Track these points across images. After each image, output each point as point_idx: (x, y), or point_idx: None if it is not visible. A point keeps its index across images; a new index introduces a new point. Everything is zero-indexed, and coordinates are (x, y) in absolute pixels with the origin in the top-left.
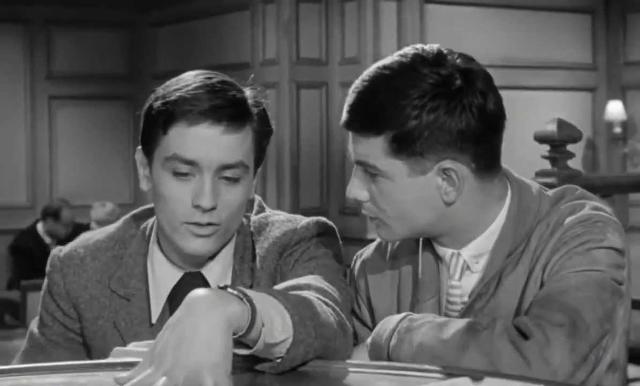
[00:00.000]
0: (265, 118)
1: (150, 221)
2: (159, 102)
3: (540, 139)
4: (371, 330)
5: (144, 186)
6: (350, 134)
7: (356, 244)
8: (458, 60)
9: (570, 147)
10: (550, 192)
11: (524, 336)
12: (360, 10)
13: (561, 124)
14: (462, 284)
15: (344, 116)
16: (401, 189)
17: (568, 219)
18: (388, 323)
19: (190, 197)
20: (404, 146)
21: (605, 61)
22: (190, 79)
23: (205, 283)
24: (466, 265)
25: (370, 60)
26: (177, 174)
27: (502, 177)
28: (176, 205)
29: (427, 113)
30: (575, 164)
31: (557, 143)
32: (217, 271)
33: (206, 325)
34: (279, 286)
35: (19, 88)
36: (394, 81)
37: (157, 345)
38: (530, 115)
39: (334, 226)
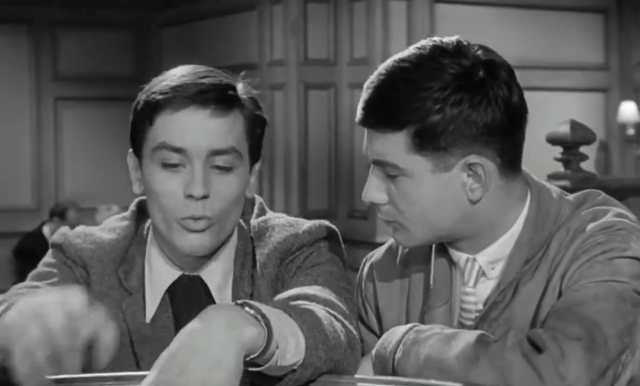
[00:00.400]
0: (257, 105)
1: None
2: (144, 96)
3: (553, 140)
4: (378, 336)
5: (136, 189)
6: (366, 132)
7: (365, 247)
8: (479, 52)
9: (582, 149)
10: (571, 196)
11: (538, 349)
12: (369, 10)
13: (574, 125)
14: (476, 291)
15: (360, 113)
16: (424, 188)
17: (590, 226)
18: (393, 335)
19: (182, 189)
20: (427, 140)
21: (618, 62)
22: (178, 71)
23: (204, 288)
24: (482, 271)
25: (380, 61)
26: (166, 165)
27: (522, 179)
28: (168, 199)
29: (451, 106)
30: (587, 166)
31: (570, 145)
32: (218, 276)
33: (220, 345)
34: (283, 295)
35: (24, 89)
36: (413, 74)
37: (164, 355)
38: (541, 116)
39: (336, 229)
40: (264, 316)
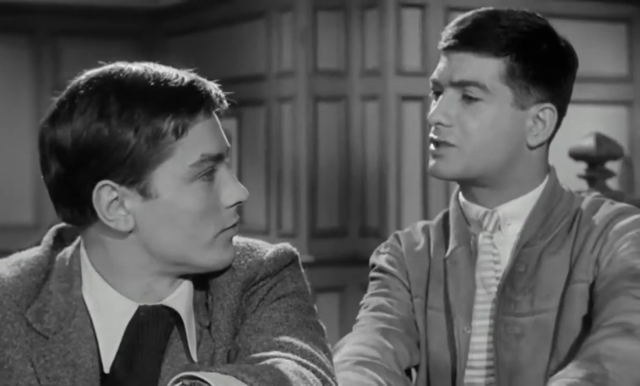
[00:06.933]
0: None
1: (69, 250)
2: (141, 109)
3: (577, 155)
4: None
5: (123, 225)
6: (452, 56)
7: None
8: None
9: (608, 165)
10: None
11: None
12: (381, 19)
13: (600, 139)
14: (495, 242)
15: (458, 32)
16: (499, 118)
17: (616, 219)
18: None
19: (219, 199)
20: (522, 73)
21: None
22: (146, 75)
23: (175, 316)
24: (499, 224)
25: (392, 72)
26: (205, 178)
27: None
28: (213, 215)
29: (550, 46)
30: (613, 184)
31: (595, 160)
32: (184, 300)
33: None
34: (256, 343)
35: (24, 101)
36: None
37: None
38: (562, 131)
39: (297, 253)
40: None
